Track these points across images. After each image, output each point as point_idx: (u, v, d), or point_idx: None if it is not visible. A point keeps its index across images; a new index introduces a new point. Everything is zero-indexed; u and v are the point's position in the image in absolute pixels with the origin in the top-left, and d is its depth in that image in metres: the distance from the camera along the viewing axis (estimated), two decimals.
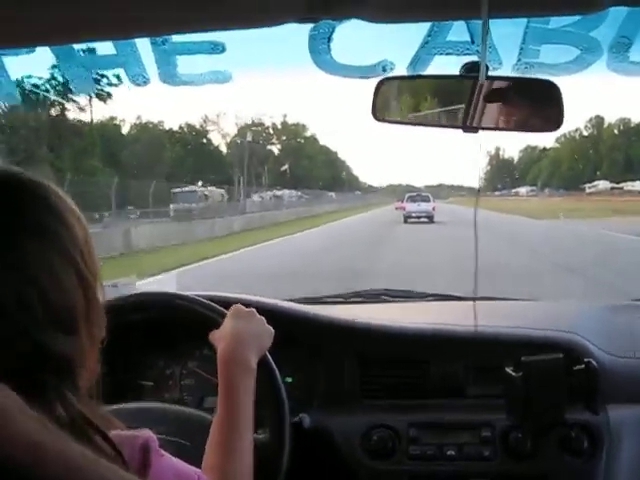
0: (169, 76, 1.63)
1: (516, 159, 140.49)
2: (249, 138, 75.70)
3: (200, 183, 45.85)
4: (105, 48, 1.59)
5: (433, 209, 36.95)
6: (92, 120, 43.61)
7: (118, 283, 2.27)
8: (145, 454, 0.92)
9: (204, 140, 78.70)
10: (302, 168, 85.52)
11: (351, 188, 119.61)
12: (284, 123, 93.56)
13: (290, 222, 38.32)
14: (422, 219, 35.45)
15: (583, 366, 1.75)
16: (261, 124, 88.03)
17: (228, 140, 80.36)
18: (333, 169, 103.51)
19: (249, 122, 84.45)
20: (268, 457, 1.50)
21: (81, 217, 0.96)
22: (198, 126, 79.12)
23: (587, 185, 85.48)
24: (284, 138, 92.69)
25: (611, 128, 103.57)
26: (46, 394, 0.83)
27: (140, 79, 1.64)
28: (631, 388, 1.89)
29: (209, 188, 43.60)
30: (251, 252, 21.88)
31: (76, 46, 1.61)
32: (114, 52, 1.60)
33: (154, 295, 1.79)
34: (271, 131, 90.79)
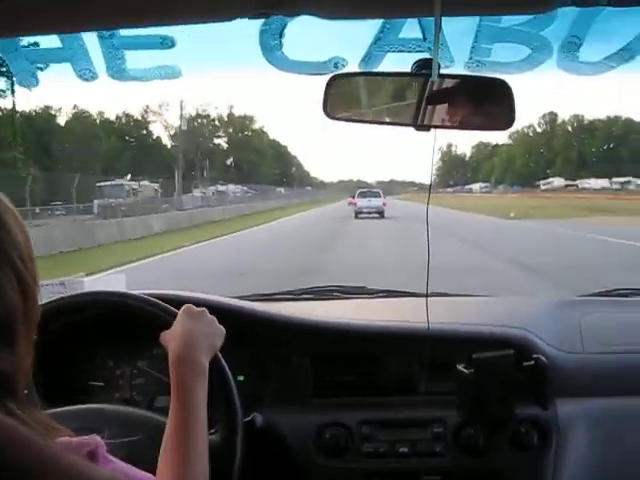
0: (117, 71, 1.60)
1: (468, 155, 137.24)
2: (191, 130, 73.55)
3: (129, 176, 40.51)
4: (51, 41, 1.55)
5: (384, 204, 37.24)
6: (14, 109, 39.09)
7: (65, 281, 2.21)
8: (92, 461, 0.89)
9: (144, 131, 73.47)
10: (249, 162, 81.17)
11: (302, 184, 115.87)
12: (230, 115, 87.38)
13: (228, 220, 34.01)
14: (373, 214, 35.57)
15: (532, 362, 1.78)
16: (206, 116, 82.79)
17: (171, 132, 74.09)
18: (283, 164, 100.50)
19: (193, 114, 78.94)
20: (221, 458, 1.48)
21: (19, 217, 0.93)
22: (138, 117, 73.70)
23: (541, 182, 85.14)
24: (231, 131, 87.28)
25: (564, 125, 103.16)
26: None
27: (87, 74, 1.60)
28: (579, 383, 1.91)
29: (141, 182, 38.96)
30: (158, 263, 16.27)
31: (21, 39, 1.56)
32: (60, 45, 1.56)
33: (104, 295, 1.76)
34: (217, 123, 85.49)
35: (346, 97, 1.61)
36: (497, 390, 1.74)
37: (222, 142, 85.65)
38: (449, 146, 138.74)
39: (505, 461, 1.83)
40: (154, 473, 1.16)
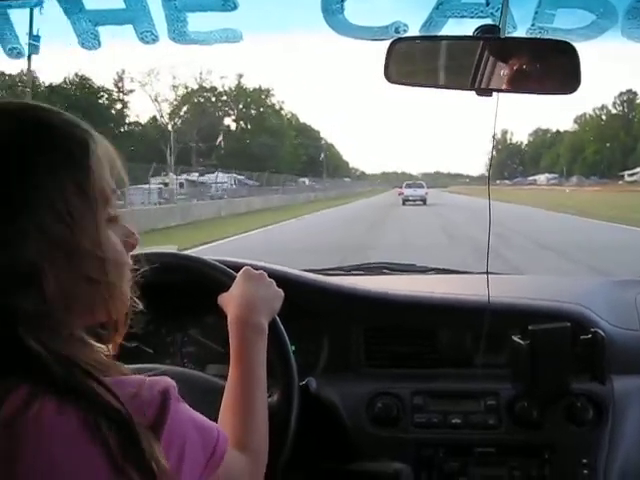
0: (179, 34, 1.61)
1: (525, 144, 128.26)
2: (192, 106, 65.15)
3: None
4: (114, 2, 1.56)
5: (426, 194, 45.45)
6: None
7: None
8: (164, 399, 0.89)
9: (101, 101, 58.33)
10: (263, 146, 66.98)
11: (338, 174, 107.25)
12: (239, 87, 74.44)
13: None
14: (417, 202, 43.48)
15: (590, 336, 1.75)
16: (212, 88, 70.14)
17: (162, 107, 63.94)
18: (312, 151, 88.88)
19: (194, 86, 67.65)
20: (276, 419, 1.48)
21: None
22: (110, 84, 59.76)
23: (626, 173, 74.65)
24: (241, 106, 74.86)
25: None
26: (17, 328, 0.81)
27: (149, 36, 1.61)
28: (636, 360, 1.89)
29: None
30: None
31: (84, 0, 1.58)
32: (123, 7, 1.57)
33: (161, 255, 1.76)
34: (225, 98, 73.12)
35: (407, 62, 1.60)
36: (553, 363, 1.71)
37: (230, 122, 75.49)
38: (504, 133, 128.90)
39: (559, 435, 1.81)
40: None
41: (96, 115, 46.89)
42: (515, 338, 1.73)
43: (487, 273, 1.77)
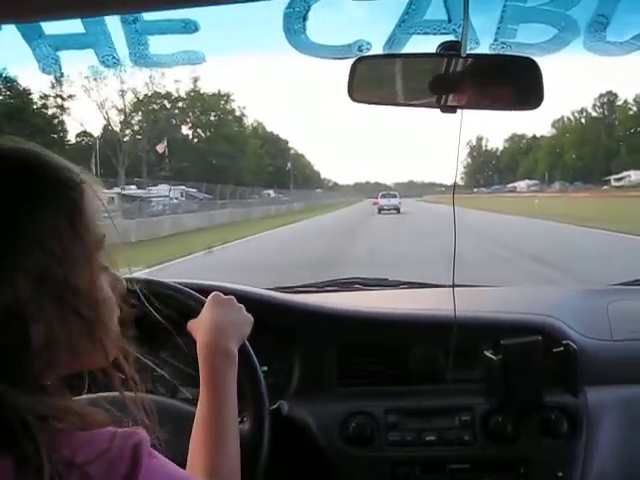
0: (140, 57, 1.59)
1: (501, 149, 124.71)
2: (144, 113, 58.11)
3: None
4: (74, 27, 1.55)
5: (399, 203, 50.47)
6: None
7: None
8: (135, 455, 0.86)
9: (33, 106, 50.61)
10: (220, 155, 62.23)
11: (310, 185, 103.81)
12: (195, 92, 66.11)
13: None
14: (392, 210, 47.85)
15: (562, 348, 1.76)
16: (167, 94, 62.10)
17: (110, 114, 56.76)
18: (280, 161, 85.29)
19: (145, 91, 59.58)
20: (248, 446, 1.47)
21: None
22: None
23: (612, 177, 70.28)
24: (198, 113, 68.13)
25: (627, 107, 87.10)
26: None
27: (110, 59, 1.59)
28: (608, 370, 1.89)
29: None
30: None
31: (43, 25, 1.55)
32: (83, 31, 1.55)
33: (135, 282, 1.75)
34: (181, 104, 65.39)
35: (371, 80, 1.60)
36: (525, 377, 1.71)
37: (187, 130, 69.30)
38: (479, 140, 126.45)
39: (534, 449, 1.81)
40: (180, 461, 1.14)
41: (23, 121, 41.19)
42: (487, 353, 1.73)
43: (453, 286, 1.77)
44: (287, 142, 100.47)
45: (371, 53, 1.58)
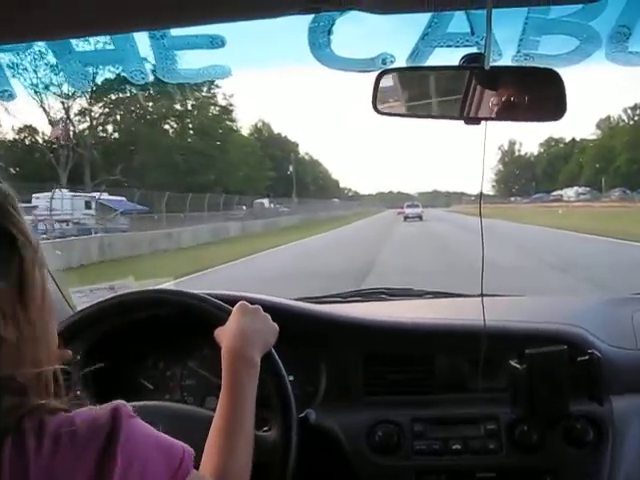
0: (168, 71, 1.62)
1: (536, 154, 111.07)
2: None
3: None
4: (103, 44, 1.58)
5: (422, 212, 55.18)
6: None
7: (115, 285, 2.24)
8: (115, 416, 0.92)
9: None
10: (192, 155, 47.35)
11: (327, 194, 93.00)
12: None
13: None
14: (415, 218, 51.59)
15: (587, 357, 1.76)
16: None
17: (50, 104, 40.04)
18: (287, 166, 72.83)
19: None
20: (276, 454, 1.49)
21: None
22: None
23: None
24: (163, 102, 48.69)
25: None
26: None
27: (138, 75, 1.63)
28: (633, 379, 1.89)
29: None
30: None
31: (74, 42, 1.59)
32: (112, 47, 1.59)
33: (162, 292, 1.78)
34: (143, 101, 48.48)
35: (394, 93, 1.62)
36: (551, 386, 1.72)
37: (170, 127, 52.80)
38: (511, 144, 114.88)
39: (560, 458, 1.81)
40: None
41: None
42: (512, 363, 1.73)
43: (482, 296, 1.77)
44: (297, 145, 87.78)
45: (395, 66, 1.60)
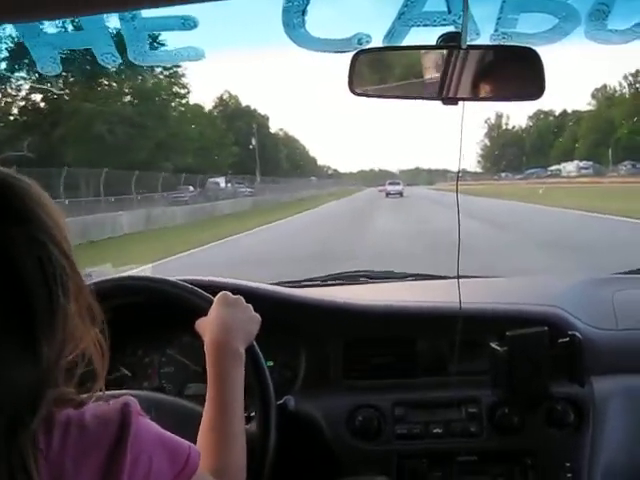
0: (139, 54, 1.58)
1: (523, 127, 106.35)
2: None
3: None
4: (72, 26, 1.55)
5: (402, 189, 62.12)
6: None
7: (92, 272, 2.21)
8: (124, 414, 0.93)
9: None
10: (118, 124, 37.25)
11: (304, 173, 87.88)
12: None
13: None
14: (396, 195, 57.34)
15: (567, 339, 1.75)
16: None
17: None
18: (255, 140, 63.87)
19: None
20: (256, 442, 1.48)
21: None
22: None
23: None
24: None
25: None
26: None
27: (109, 57, 1.59)
28: (614, 359, 1.89)
29: None
30: None
31: (42, 24, 1.55)
32: (82, 30, 1.55)
33: (140, 280, 1.75)
34: None
35: (371, 73, 1.59)
36: (531, 367, 1.71)
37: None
38: (498, 117, 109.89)
39: (541, 440, 1.81)
40: None
41: None
42: (493, 345, 1.73)
43: (458, 277, 1.76)
44: (267, 118, 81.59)
45: (371, 46, 1.58)
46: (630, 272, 2.48)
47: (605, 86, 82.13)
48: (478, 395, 1.84)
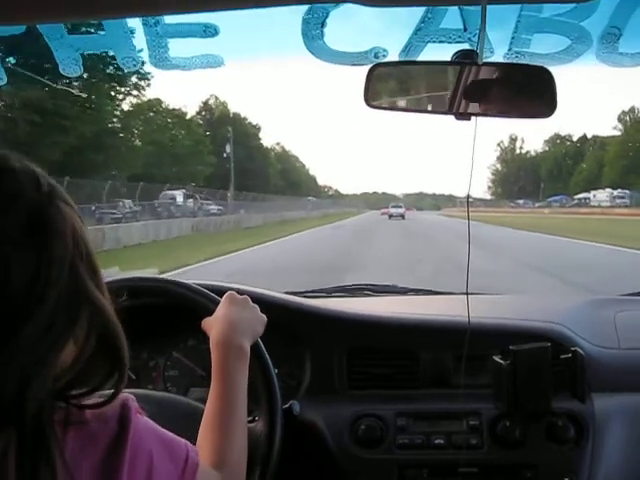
0: (160, 59, 1.61)
1: (539, 152, 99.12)
2: None
3: None
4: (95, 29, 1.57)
5: (404, 212, 64.58)
6: None
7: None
8: (124, 411, 0.94)
9: None
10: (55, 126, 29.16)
11: (302, 192, 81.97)
12: None
13: None
14: (399, 217, 59.58)
15: (570, 355, 1.77)
16: None
17: None
18: (243, 154, 58.15)
19: None
20: (261, 444, 1.49)
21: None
22: None
23: None
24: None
25: None
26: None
27: (130, 61, 1.62)
28: (615, 378, 1.91)
29: None
30: None
31: (66, 26, 1.58)
32: (104, 33, 1.57)
33: (148, 281, 1.77)
34: None
35: (386, 87, 1.62)
36: (534, 382, 1.73)
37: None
38: (512, 140, 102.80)
39: (541, 454, 1.83)
40: None
41: None
42: (496, 358, 1.74)
43: (467, 294, 1.78)
44: (259, 128, 74.90)
45: (387, 60, 1.61)
46: (632, 294, 2.51)
47: (634, 109, 77.18)
48: (480, 408, 1.85)
